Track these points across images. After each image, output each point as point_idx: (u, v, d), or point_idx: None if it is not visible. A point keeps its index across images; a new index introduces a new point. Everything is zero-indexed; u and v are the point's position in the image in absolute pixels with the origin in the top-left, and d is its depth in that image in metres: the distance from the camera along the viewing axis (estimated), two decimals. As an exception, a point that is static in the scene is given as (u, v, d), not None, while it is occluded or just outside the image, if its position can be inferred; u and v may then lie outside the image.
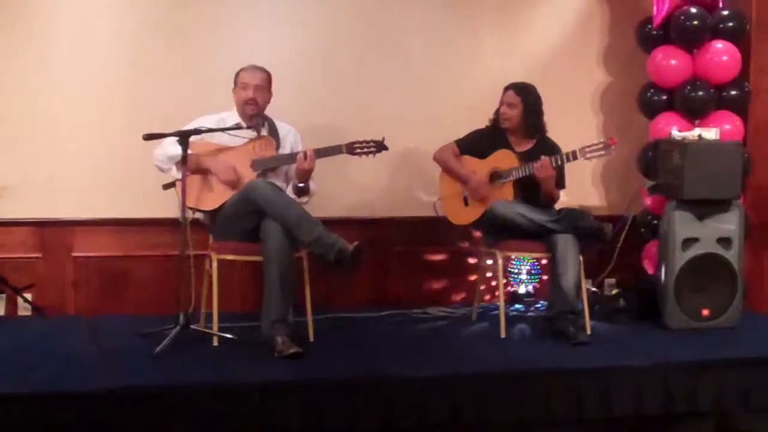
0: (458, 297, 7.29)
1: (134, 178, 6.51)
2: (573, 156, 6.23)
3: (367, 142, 6.08)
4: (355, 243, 5.59)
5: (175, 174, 5.89)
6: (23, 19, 6.57)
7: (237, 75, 6.17)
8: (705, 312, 6.50)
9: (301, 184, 6.12)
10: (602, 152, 6.20)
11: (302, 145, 6.32)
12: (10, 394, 4.69)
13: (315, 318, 6.02)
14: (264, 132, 6.17)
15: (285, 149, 6.25)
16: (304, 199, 6.18)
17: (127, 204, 6.71)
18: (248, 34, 6.90)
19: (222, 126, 6.00)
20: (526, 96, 6.47)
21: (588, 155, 6.22)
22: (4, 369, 5.15)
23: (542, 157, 6.24)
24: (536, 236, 6.23)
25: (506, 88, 6.53)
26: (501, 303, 6.31)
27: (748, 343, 6.18)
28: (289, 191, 6.18)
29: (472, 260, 7.23)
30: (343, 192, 6.87)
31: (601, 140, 6.28)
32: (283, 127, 6.32)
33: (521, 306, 7.15)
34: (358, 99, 7.06)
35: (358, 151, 6.08)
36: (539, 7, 7.45)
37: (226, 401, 4.89)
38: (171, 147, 5.91)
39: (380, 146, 6.10)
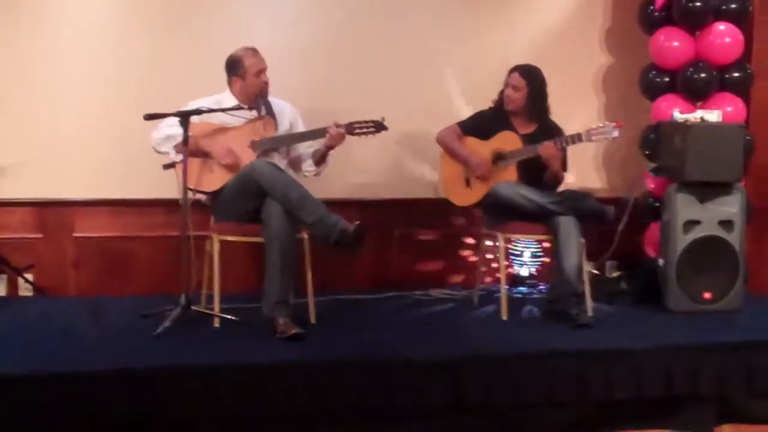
0: (460, 279, 7.29)
1: (135, 158, 6.48)
2: (578, 138, 6.22)
3: (367, 122, 6.06)
4: (356, 223, 5.58)
5: (174, 156, 5.88)
6: (25, 3, 6.56)
7: (239, 63, 6.10)
8: (707, 295, 6.51)
9: (327, 155, 6.21)
10: (607, 135, 6.18)
11: (301, 119, 6.36)
12: (11, 375, 4.69)
13: (316, 299, 6.01)
14: (262, 111, 6.15)
15: (283, 126, 6.24)
16: (322, 167, 6.30)
17: (128, 184, 6.71)
18: (247, 16, 6.89)
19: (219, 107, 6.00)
20: (532, 79, 6.45)
21: (593, 138, 6.21)
22: (5, 349, 5.16)
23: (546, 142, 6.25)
24: (538, 218, 6.22)
25: (511, 70, 6.50)
26: (502, 285, 6.31)
27: (749, 326, 6.17)
28: (308, 164, 6.27)
29: (473, 242, 7.22)
30: (345, 173, 6.84)
31: (607, 123, 6.25)
32: (278, 104, 6.30)
33: (523, 288, 7.14)
34: (359, 81, 7.04)
35: (358, 131, 6.07)
36: (541, -12, 7.46)
37: (227, 382, 4.88)
38: (167, 129, 5.90)
39: (379, 126, 6.08)
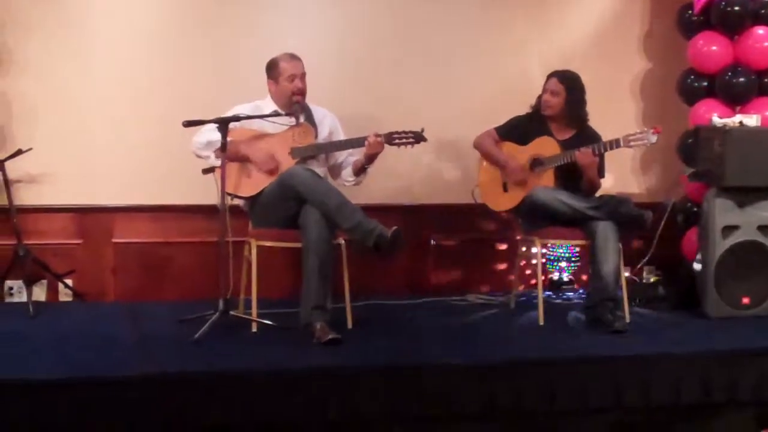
0: (497, 284, 7.28)
1: (174, 164, 6.54)
2: (616, 144, 6.17)
3: (406, 132, 6.06)
4: (394, 227, 5.59)
5: (213, 161, 5.91)
6: (61, 10, 6.63)
7: (275, 66, 6.15)
8: (745, 300, 6.48)
9: (368, 166, 6.19)
10: (645, 141, 6.12)
11: (341, 127, 6.37)
12: (50, 379, 4.72)
13: (353, 305, 6.04)
14: (301, 118, 6.16)
15: (323, 134, 6.26)
16: (361, 177, 6.27)
17: (166, 190, 6.75)
18: (286, 23, 6.94)
19: (258, 114, 6.02)
20: (570, 84, 6.43)
21: (631, 143, 6.16)
22: (45, 354, 5.19)
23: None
24: (575, 223, 6.21)
25: (550, 76, 6.48)
26: (539, 290, 6.30)
27: (789, 331, 6.14)
28: (348, 173, 6.27)
29: (510, 247, 7.21)
30: (382, 179, 6.82)
31: (644, 129, 6.22)
32: (319, 112, 6.31)
33: (560, 293, 7.12)
34: (396, 87, 7.08)
35: (397, 141, 6.06)
36: (579, -7, 7.46)
37: (265, 387, 4.89)
38: (209, 134, 5.92)
39: (419, 137, 6.07)
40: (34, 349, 5.31)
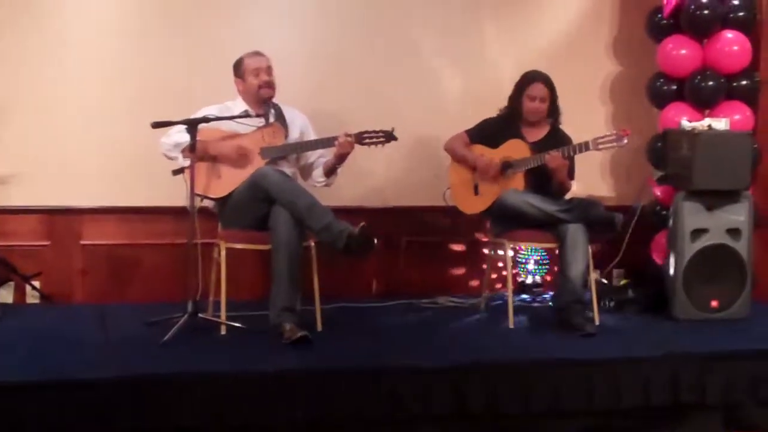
0: (467, 287, 7.28)
1: (143, 166, 6.51)
2: (585, 147, 6.18)
3: (377, 132, 6.06)
4: (361, 224, 5.58)
5: (182, 162, 5.89)
6: (32, 9, 6.59)
7: (240, 64, 6.15)
8: (714, 303, 6.49)
9: (338, 167, 6.19)
10: (615, 144, 6.15)
11: (312, 127, 6.36)
12: (18, 382, 4.69)
13: (323, 307, 6.02)
14: (271, 119, 6.15)
15: (293, 135, 6.24)
16: (332, 178, 6.28)
17: (135, 192, 6.73)
18: (256, 22, 6.92)
19: (227, 115, 6.00)
20: (552, 87, 6.44)
21: (600, 146, 6.17)
22: (12, 357, 5.16)
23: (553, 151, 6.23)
24: (546, 226, 6.21)
25: (532, 81, 6.44)
26: (509, 293, 6.30)
27: (757, 334, 6.13)
28: (319, 174, 6.27)
29: (481, 250, 7.21)
30: (353, 181, 6.83)
31: (614, 131, 6.23)
32: (290, 112, 6.30)
33: (530, 296, 7.13)
34: (366, 88, 7.07)
35: (367, 141, 6.06)
36: (548, -4, 7.47)
37: (233, 390, 4.88)
38: (177, 135, 5.91)
39: (389, 136, 6.06)
40: (2, 351, 5.28)
